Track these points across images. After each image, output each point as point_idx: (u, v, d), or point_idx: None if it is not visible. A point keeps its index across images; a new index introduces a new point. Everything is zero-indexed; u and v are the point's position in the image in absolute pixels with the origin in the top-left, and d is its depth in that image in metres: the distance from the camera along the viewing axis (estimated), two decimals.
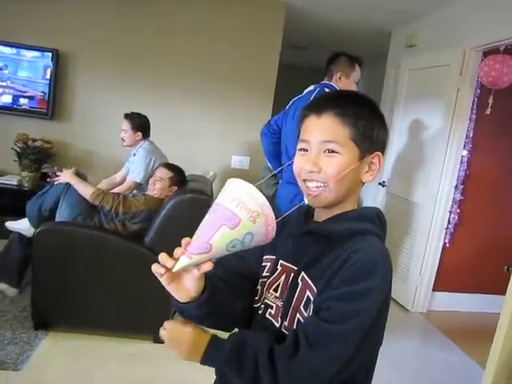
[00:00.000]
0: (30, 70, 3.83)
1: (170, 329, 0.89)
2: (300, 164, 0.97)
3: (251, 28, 4.17)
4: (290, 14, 4.25)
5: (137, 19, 3.99)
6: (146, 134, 3.34)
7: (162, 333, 0.89)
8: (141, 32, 4.01)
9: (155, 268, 0.80)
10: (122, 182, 3.37)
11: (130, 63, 4.04)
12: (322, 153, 0.93)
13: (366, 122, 0.94)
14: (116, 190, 3.14)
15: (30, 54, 3.79)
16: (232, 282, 1.02)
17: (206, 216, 0.80)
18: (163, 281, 0.82)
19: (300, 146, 0.98)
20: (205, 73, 4.15)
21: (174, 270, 0.79)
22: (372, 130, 0.95)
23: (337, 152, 0.93)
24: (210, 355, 0.87)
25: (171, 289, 0.84)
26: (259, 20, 4.18)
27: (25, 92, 3.84)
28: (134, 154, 3.30)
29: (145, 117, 3.34)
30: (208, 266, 0.80)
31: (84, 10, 3.89)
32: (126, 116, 3.30)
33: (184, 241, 0.80)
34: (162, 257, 0.80)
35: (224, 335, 0.92)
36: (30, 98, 3.85)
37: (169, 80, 4.11)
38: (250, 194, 0.77)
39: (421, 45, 4.03)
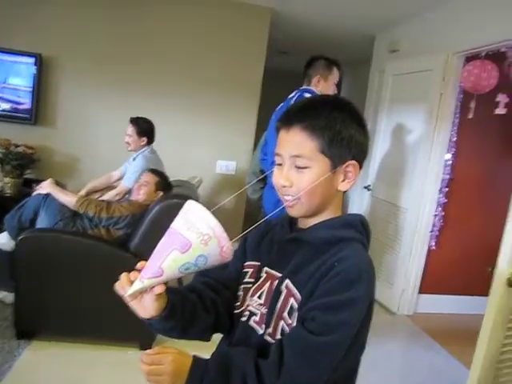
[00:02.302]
0: (19, 76, 3.78)
1: (149, 362, 0.85)
2: (276, 178, 0.97)
3: (236, 33, 4.18)
4: (275, 20, 4.27)
5: (122, 25, 3.97)
6: (151, 139, 3.32)
7: (142, 367, 0.85)
8: (126, 38, 3.98)
9: (117, 287, 0.83)
10: (118, 179, 3.37)
11: (115, 69, 4.01)
12: (294, 167, 0.94)
13: (337, 130, 0.93)
14: (105, 197, 3.12)
15: (15, 59, 3.74)
16: (206, 294, 1.02)
17: (162, 239, 0.81)
18: (125, 299, 0.84)
19: (276, 160, 0.98)
20: (190, 78, 4.14)
21: (127, 294, 0.81)
22: (343, 137, 0.93)
23: (306, 167, 0.93)
24: (194, 380, 0.86)
25: (133, 306, 0.85)
26: (245, 26, 4.19)
27: (20, 104, 3.79)
28: (134, 159, 3.27)
29: (150, 122, 3.31)
30: (159, 290, 0.81)
31: (69, 14, 3.85)
32: (132, 121, 3.27)
33: (139, 264, 0.82)
34: (122, 279, 0.83)
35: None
36: (21, 106, 3.80)
37: (153, 86, 4.09)
38: (200, 217, 0.78)
39: (404, 50, 4.07)
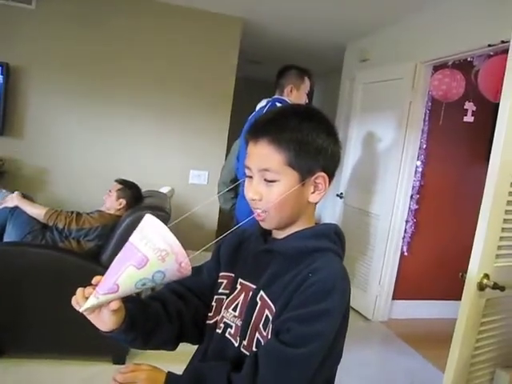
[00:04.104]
0: None
1: (122, 380, 0.85)
2: (246, 191, 0.97)
3: (208, 43, 4.18)
4: (246, 30, 4.29)
5: (93, 38, 3.92)
6: None
7: None
8: (97, 49, 3.94)
9: (73, 302, 0.82)
10: None
11: (86, 80, 3.95)
12: (263, 180, 0.93)
13: (304, 142, 0.92)
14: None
15: None
16: (171, 303, 1.01)
17: (119, 253, 0.80)
18: (84, 313, 0.82)
19: (246, 172, 0.98)
20: (162, 88, 4.11)
21: (81, 310, 0.80)
22: (311, 149, 0.92)
23: (274, 180, 0.92)
24: None
25: (91, 319, 0.84)
26: (216, 35, 4.19)
27: None
28: None
29: None
30: (115, 306, 0.80)
31: (38, 24, 3.78)
32: None
33: (94, 279, 0.82)
34: (78, 294, 0.82)
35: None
36: None
37: (126, 96, 4.04)
38: (158, 232, 0.77)
39: (374, 59, 4.15)
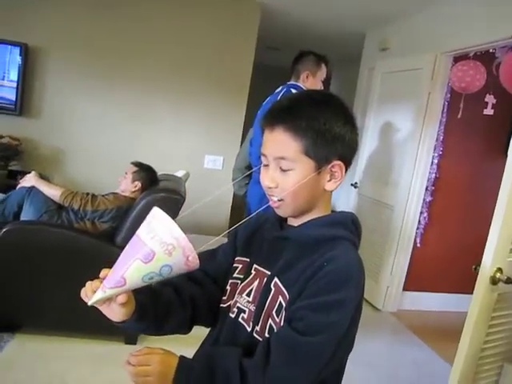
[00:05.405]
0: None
1: (136, 363, 0.85)
2: (262, 179, 0.96)
3: (226, 28, 4.16)
4: (265, 15, 4.25)
5: (112, 20, 3.93)
6: None
7: (128, 369, 0.84)
8: (115, 33, 3.95)
9: (82, 294, 0.82)
10: None
11: (103, 63, 3.97)
12: (279, 168, 0.93)
13: (321, 130, 0.90)
14: None
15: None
16: (184, 287, 1.01)
17: (126, 246, 0.80)
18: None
19: (262, 160, 0.97)
20: (179, 73, 4.11)
21: (89, 303, 0.80)
22: (328, 137, 0.90)
23: (290, 168, 0.91)
24: (180, 382, 0.85)
25: (102, 310, 0.84)
26: (234, 21, 4.17)
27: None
28: None
29: None
30: (122, 299, 0.80)
31: (56, 5, 3.80)
32: None
33: (102, 273, 0.81)
34: (86, 287, 0.82)
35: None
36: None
37: (142, 80, 4.05)
38: (165, 226, 0.76)
39: (394, 48, 4.09)
